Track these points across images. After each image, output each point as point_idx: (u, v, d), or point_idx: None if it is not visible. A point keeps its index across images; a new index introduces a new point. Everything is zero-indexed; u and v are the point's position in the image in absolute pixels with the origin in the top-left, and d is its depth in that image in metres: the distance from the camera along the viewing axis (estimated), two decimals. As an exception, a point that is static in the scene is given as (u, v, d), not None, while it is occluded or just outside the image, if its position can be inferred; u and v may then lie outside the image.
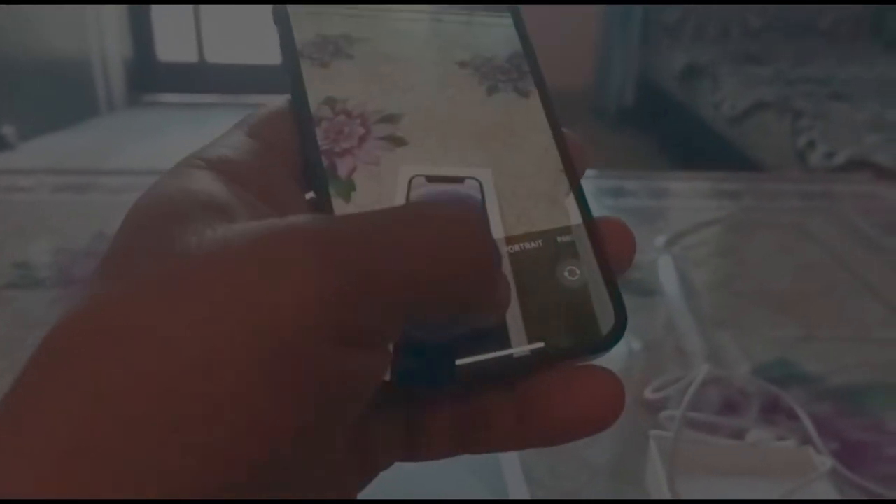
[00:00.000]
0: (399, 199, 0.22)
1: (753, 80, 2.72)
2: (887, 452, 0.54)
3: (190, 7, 3.60)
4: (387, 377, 0.18)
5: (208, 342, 0.14)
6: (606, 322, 0.21)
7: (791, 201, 0.98)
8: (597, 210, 0.22)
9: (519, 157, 0.23)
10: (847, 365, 0.63)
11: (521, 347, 0.20)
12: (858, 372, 0.62)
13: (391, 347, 0.18)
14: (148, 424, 0.14)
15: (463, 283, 0.18)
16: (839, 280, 0.78)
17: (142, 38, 3.66)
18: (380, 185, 0.22)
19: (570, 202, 0.22)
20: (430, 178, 0.22)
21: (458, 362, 0.20)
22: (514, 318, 0.20)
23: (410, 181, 0.22)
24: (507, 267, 0.21)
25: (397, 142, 0.22)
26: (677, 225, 0.88)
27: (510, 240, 0.22)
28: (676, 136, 3.15)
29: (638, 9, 3.38)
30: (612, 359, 0.68)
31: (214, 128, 0.28)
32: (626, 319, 0.21)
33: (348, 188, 0.21)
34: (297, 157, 0.22)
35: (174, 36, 3.68)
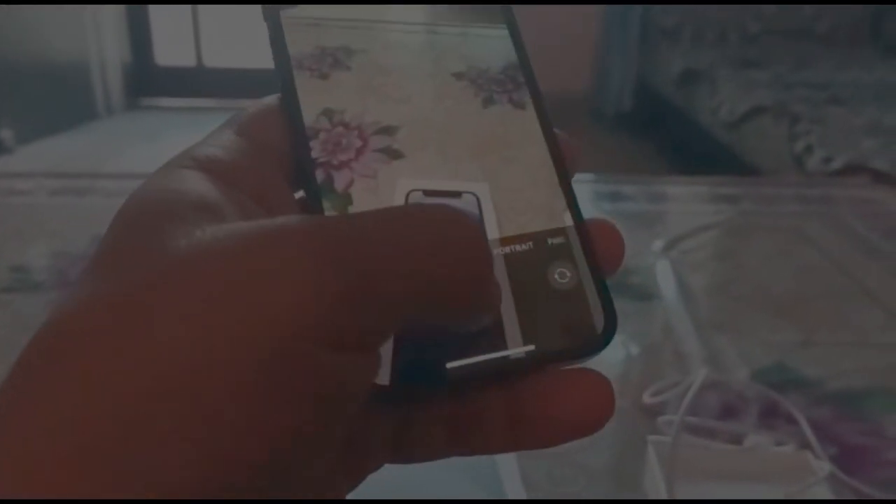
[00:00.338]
0: None
1: (751, 85, 2.73)
2: (886, 457, 0.54)
3: (188, 11, 3.60)
4: (381, 380, 0.18)
5: (205, 342, 0.14)
6: (597, 324, 0.21)
7: (789, 206, 0.98)
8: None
9: (515, 169, 0.23)
10: (845, 369, 0.63)
11: (512, 350, 0.20)
12: (857, 376, 0.62)
13: (387, 348, 0.18)
14: (145, 425, 0.14)
15: (459, 284, 0.18)
16: (837, 284, 0.79)
17: (140, 41, 3.66)
18: (377, 198, 0.22)
19: (564, 205, 0.23)
20: (428, 193, 0.22)
21: (451, 364, 0.20)
22: (505, 320, 0.20)
23: (408, 196, 0.22)
24: (499, 269, 0.21)
25: (394, 154, 0.22)
26: (675, 229, 0.88)
27: (501, 242, 0.22)
28: (674, 140, 3.15)
29: (636, 13, 3.39)
30: (611, 363, 0.68)
31: (213, 132, 0.28)
32: (616, 321, 0.21)
33: (345, 202, 0.21)
34: (286, 155, 0.22)
35: (173, 40, 3.68)
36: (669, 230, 0.88)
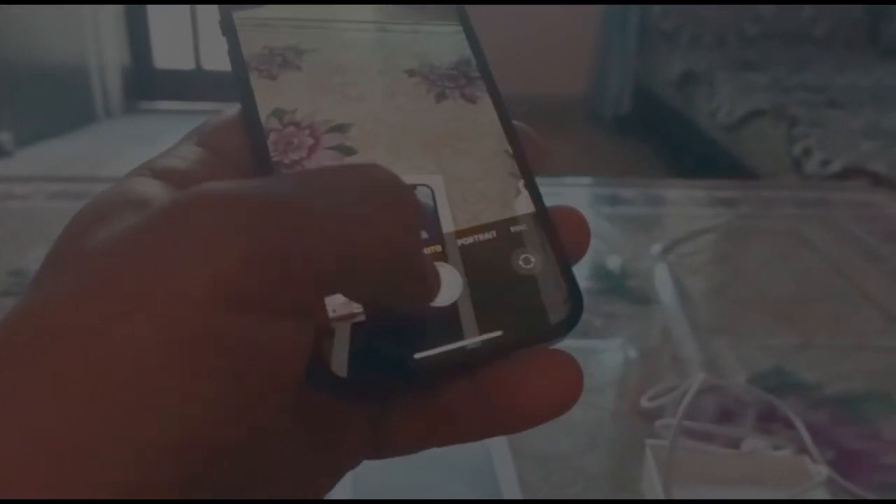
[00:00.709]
0: None
1: (750, 88, 2.73)
2: (883, 461, 0.54)
3: (187, 14, 3.60)
4: (339, 370, 0.18)
5: (125, 331, 0.14)
6: (562, 308, 0.21)
7: (787, 209, 0.99)
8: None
9: (469, 161, 0.23)
10: (844, 373, 0.63)
11: (478, 337, 0.20)
12: (855, 380, 0.62)
13: (343, 339, 0.18)
14: (84, 426, 0.13)
15: (385, 228, 0.17)
16: (836, 288, 0.79)
17: (139, 45, 3.67)
18: None
19: (523, 194, 0.23)
20: None
21: (417, 356, 0.19)
22: (470, 308, 0.20)
23: None
24: (460, 258, 0.21)
25: (347, 151, 0.23)
26: (673, 232, 0.88)
27: (463, 232, 0.22)
28: (673, 143, 3.16)
29: (635, 15, 3.39)
30: (609, 366, 0.68)
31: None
32: (581, 305, 0.21)
33: None
34: (247, 165, 0.22)
35: (171, 43, 3.68)
36: (668, 233, 0.88)
